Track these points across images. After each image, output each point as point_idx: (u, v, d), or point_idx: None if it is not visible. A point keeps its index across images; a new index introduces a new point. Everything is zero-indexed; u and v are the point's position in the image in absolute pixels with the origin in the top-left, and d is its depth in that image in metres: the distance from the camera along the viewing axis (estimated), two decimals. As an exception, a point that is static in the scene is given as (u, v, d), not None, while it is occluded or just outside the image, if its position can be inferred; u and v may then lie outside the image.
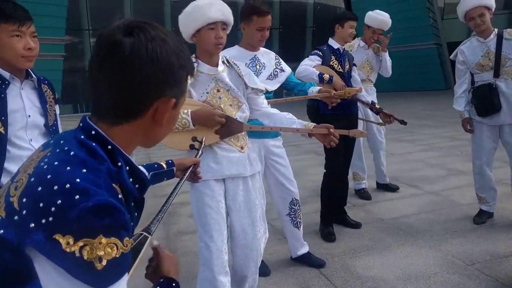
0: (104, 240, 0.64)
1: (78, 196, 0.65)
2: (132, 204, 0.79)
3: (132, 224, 0.76)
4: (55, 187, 0.65)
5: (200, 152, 1.55)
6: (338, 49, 3.27)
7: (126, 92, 0.74)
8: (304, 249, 2.79)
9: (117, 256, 0.66)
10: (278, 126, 1.91)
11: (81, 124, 0.78)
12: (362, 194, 4.16)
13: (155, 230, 0.97)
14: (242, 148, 1.92)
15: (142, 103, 0.76)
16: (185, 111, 1.74)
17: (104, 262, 0.64)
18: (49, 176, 0.67)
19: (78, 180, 0.66)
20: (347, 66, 3.31)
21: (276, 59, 2.68)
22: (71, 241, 0.63)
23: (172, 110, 0.80)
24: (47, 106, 1.71)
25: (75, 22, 21.06)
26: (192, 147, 1.66)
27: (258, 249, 1.99)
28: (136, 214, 0.82)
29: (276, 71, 2.64)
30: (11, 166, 1.57)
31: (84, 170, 0.68)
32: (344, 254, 2.93)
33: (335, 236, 3.19)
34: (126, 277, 0.70)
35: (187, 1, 1.83)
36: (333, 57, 3.24)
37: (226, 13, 1.80)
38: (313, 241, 3.14)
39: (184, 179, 1.28)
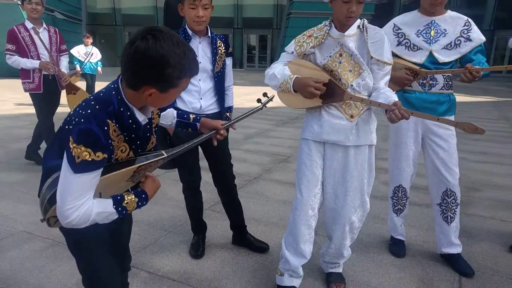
0: (82, 148, 1.13)
1: (82, 120, 1.16)
2: (133, 135, 1.29)
3: (112, 148, 1.22)
4: (80, 111, 1.19)
5: (261, 106, 1.80)
6: None
7: (128, 73, 1.19)
8: (453, 249, 2.43)
9: (88, 159, 1.14)
10: (375, 101, 1.78)
11: (119, 77, 1.28)
12: None
13: (169, 156, 1.42)
14: (352, 117, 1.92)
15: (136, 84, 1.20)
16: (291, 76, 1.92)
17: (79, 160, 1.14)
18: (83, 104, 1.22)
19: (89, 111, 1.18)
20: None
21: (465, 25, 2.26)
22: (71, 141, 1.16)
23: (159, 93, 1.20)
24: (217, 57, 2.34)
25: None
26: (258, 100, 1.89)
27: (347, 217, 2.01)
28: (138, 139, 1.32)
29: (459, 40, 2.25)
30: (183, 95, 2.33)
31: (97, 107, 1.19)
32: (517, 278, 2.34)
33: None
34: (95, 173, 1.18)
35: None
36: None
37: None
38: (495, 249, 2.64)
39: (202, 138, 1.57)
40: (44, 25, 4.12)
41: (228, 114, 2.50)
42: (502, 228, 3.02)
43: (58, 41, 4.23)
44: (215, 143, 1.69)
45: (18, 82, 4.22)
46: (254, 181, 4.05)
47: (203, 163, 2.50)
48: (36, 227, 2.88)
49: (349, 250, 2.18)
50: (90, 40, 8.75)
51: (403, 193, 2.52)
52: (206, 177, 2.67)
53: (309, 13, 20.80)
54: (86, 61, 8.57)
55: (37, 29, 4.01)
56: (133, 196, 1.30)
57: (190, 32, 2.27)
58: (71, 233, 1.32)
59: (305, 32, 2.02)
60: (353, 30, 1.91)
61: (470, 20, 2.27)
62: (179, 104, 2.34)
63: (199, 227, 2.63)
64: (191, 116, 1.69)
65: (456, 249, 2.44)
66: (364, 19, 1.95)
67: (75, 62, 8.57)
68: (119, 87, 1.25)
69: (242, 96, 11.34)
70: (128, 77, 1.21)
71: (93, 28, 24.93)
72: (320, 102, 1.92)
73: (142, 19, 25.91)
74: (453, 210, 2.39)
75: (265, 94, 1.95)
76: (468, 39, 2.24)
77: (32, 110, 4.42)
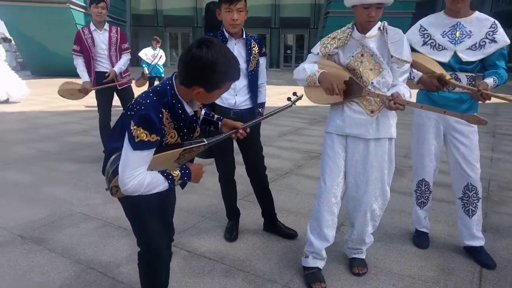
0: (141, 130, 1.40)
1: (142, 107, 1.43)
2: (181, 123, 1.54)
3: (164, 132, 1.48)
4: (141, 100, 1.46)
5: (291, 103, 2.00)
6: None
7: (183, 74, 1.45)
8: (475, 242, 2.52)
9: (145, 140, 1.41)
10: (383, 95, 1.93)
11: (173, 75, 1.55)
12: None
13: (209, 143, 1.66)
14: (372, 112, 2.08)
15: (188, 83, 1.46)
16: (319, 70, 2.10)
17: (138, 139, 1.40)
18: (143, 95, 1.49)
19: (148, 101, 1.45)
20: None
21: (491, 27, 2.34)
22: (132, 124, 1.42)
23: (206, 93, 1.45)
24: (251, 57, 2.57)
25: (432, -23, 20.90)
26: (288, 99, 2.08)
27: (368, 205, 2.17)
28: (186, 127, 1.57)
29: (483, 41, 2.34)
30: (225, 95, 2.56)
31: (154, 98, 1.46)
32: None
33: None
34: (149, 152, 1.44)
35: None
36: None
37: None
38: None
39: (223, 137, 1.76)
40: (106, 26, 4.51)
41: (260, 109, 2.72)
42: (531, 226, 3.05)
43: (119, 40, 4.58)
44: (234, 137, 1.87)
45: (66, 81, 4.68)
46: (286, 176, 4.26)
47: (238, 158, 2.74)
48: (90, 210, 3.24)
49: (371, 237, 2.34)
50: (159, 44, 8.79)
51: (426, 187, 2.64)
52: (241, 170, 2.92)
53: (347, 12, 20.55)
54: (152, 63, 8.57)
55: (99, 30, 4.45)
56: (177, 171, 1.56)
57: (227, 34, 2.52)
58: (128, 200, 1.60)
59: (329, 35, 2.20)
60: (374, 31, 2.07)
61: (497, 22, 2.35)
62: (217, 100, 2.58)
63: (233, 213, 2.88)
64: (215, 115, 1.89)
65: (479, 242, 2.53)
66: (385, 21, 2.10)
67: (144, 65, 8.56)
68: (173, 83, 1.52)
69: (276, 95, 11.51)
70: (183, 77, 1.47)
71: (136, 29, 26.06)
72: (341, 98, 2.10)
73: (182, 20, 26.72)
74: (474, 204, 2.49)
75: (294, 93, 2.15)
76: (493, 41, 2.32)
77: (82, 107, 4.86)
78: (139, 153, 1.42)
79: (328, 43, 2.16)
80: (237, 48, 2.54)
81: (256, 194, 2.87)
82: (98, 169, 2.04)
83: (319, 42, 2.22)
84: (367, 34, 2.06)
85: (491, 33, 2.34)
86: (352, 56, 2.11)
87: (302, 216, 3.21)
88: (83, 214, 3.17)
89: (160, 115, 1.45)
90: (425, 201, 2.69)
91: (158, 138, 1.45)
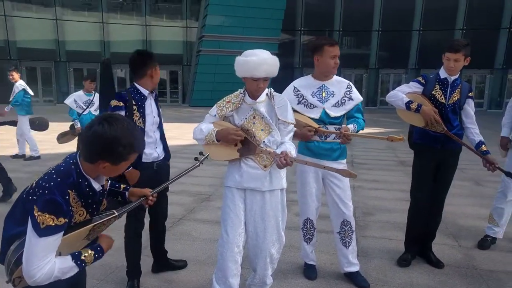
0: (47, 215, 1.36)
1: (46, 191, 1.39)
2: (89, 200, 1.54)
3: (71, 213, 1.45)
4: (43, 183, 1.42)
5: (198, 163, 2.19)
6: (445, 78, 3.14)
7: (87, 151, 1.48)
8: (352, 268, 2.98)
9: (52, 224, 1.37)
10: (277, 153, 2.26)
11: (77, 153, 1.54)
12: (482, 241, 3.72)
13: (120, 214, 1.69)
14: (265, 167, 2.37)
15: (93, 160, 1.48)
16: (214, 129, 2.33)
17: (43, 225, 1.36)
18: (46, 177, 1.45)
19: (52, 183, 1.41)
20: (456, 98, 3.14)
21: (347, 88, 2.92)
22: (36, 210, 1.37)
23: (112, 166, 1.49)
24: (160, 110, 2.84)
25: (289, 23, 23.72)
26: (196, 159, 2.29)
27: (268, 251, 2.41)
28: (94, 203, 1.57)
29: (344, 99, 2.89)
30: (147, 150, 2.67)
31: (59, 179, 1.43)
32: (399, 286, 2.95)
33: (407, 263, 3.28)
34: (58, 236, 1.39)
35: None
36: (437, 86, 3.15)
37: (270, 71, 2.27)
38: (385, 264, 3.27)
39: (133, 205, 1.81)
40: None
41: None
42: (389, 246, 3.71)
43: None
44: (145, 204, 1.93)
45: None
46: (179, 222, 4.29)
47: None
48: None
49: (271, 278, 2.57)
50: (93, 84, 6.59)
51: (311, 224, 3.03)
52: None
53: (219, 51, 21.75)
54: (84, 112, 6.51)
55: None
56: (89, 251, 1.53)
57: (146, 92, 2.73)
58: None
59: (224, 98, 2.45)
60: (263, 97, 2.39)
61: (351, 83, 2.95)
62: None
63: (136, 271, 2.82)
64: (121, 186, 1.90)
65: (355, 268, 2.99)
66: (271, 88, 2.45)
67: (74, 117, 6.49)
68: (78, 162, 1.51)
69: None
70: (86, 154, 1.49)
71: (-17, 63, 22.69)
72: (238, 155, 2.34)
73: (41, 54, 24.45)
74: (349, 237, 2.96)
75: (201, 153, 2.31)
76: (351, 99, 2.90)
77: None
78: (45, 240, 1.37)
79: (224, 106, 2.40)
80: (152, 104, 2.76)
81: (153, 242, 3.06)
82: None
83: (215, 104, 2.44)
84: (258, 100, 2.37)
85: (348, 92, 2.91)
86: (246, 118, 2.38)
87: (203, 263, 3.29)
88: None
89: (67, 197, 1.43)
90: (310, 237, 3.07)
91: (66, 220, 1.42)
